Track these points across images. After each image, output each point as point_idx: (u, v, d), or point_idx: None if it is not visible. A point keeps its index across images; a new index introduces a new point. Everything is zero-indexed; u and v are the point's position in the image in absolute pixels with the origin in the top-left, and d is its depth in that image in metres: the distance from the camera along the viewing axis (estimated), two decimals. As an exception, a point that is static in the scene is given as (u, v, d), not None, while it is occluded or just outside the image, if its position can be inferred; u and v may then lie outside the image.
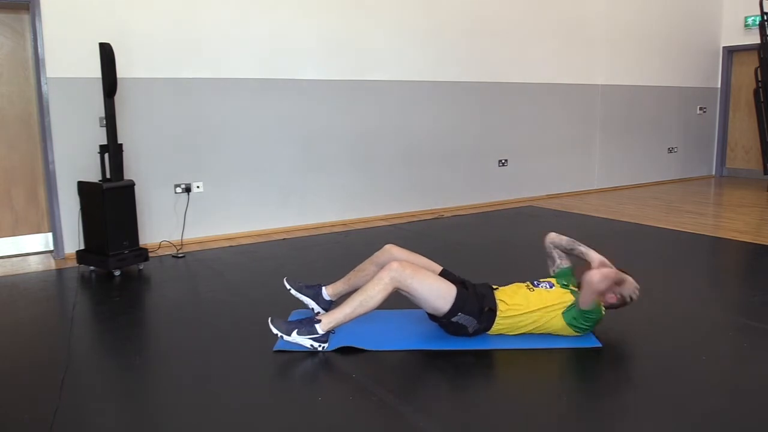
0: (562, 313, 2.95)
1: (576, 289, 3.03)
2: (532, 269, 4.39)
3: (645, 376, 2.64)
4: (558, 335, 3.00)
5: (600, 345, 2.94)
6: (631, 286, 3.01)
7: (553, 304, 2.96)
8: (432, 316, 3.02)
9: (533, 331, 2.99)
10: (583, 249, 3.17)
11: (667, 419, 2.28)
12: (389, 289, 2.87)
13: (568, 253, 3.27)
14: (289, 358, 2.85)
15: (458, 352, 2.90)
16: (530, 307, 2.96)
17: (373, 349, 2.93)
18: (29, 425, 2.30)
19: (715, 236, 5.34)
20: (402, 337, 3.05)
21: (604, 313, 3.00)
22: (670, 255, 4.81)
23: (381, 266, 3.05)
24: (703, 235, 5.41)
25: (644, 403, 2.40)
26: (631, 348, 2.94)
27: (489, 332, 3.00)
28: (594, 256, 3.10)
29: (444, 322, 2.97)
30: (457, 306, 2.90)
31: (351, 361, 2.81)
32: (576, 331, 2.97)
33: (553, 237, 3.34)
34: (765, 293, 3.78)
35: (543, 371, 2.73)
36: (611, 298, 3.00)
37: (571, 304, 2.95)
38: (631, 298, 3.03)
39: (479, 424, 2.30)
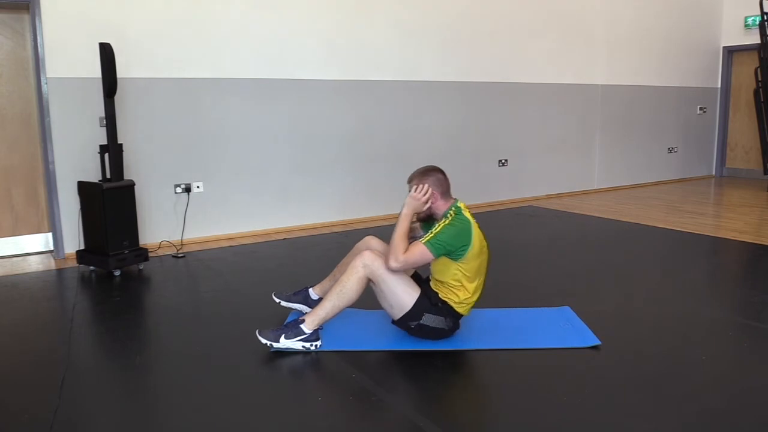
0: (448, 258, 2.91)
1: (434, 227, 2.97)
2: (532, 269, 4.40)
3: (645, 376, 2.64)
4: (485, 263, 2.98)
5: (599, 342, 2.95)
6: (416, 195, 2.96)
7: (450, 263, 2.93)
8: (399, 322, 2.96)
9: (477, 285, 2.96)
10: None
11: (667, 419, 2.29)
12: (363, 278, 2.85)
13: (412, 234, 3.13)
14: (289, 359, 2.85)
15: (458, 352, 2.90)
16: (449, 275, 2.93)
17: (372, 350, 2.93)
18: (29, 425, 2.30)
19: (715, 236, 5.34)
20: (402, 337, 3.05)
21: (451, 218, 2.90)
22: (670, 255, 4.81)
23: None
24: (703, 235, 5.40)
25: (644, 403, 2.40)
26: (631, 348, 2.94)
27: (464, 316, 3.00)
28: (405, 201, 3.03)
29: (413, 326, 2.93)
30: (420, 305, 2.88)
31: (351, 361, 2.81)
32: (467, 253, 2.87)
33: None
34: (765, 293, 3.78)
35: (542, 371, 2.73)
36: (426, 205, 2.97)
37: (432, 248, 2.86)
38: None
39: (479, 423, 2.30)
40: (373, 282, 2.89)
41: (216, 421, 2.31)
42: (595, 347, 2.92)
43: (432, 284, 3.04)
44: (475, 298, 3.00)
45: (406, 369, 2.81)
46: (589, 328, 3.12)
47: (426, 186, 2.96)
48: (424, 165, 3.10)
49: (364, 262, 2.86)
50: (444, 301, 2.95)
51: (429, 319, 2.91)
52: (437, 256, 2.86)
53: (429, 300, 2.93)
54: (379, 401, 2.46)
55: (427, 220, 3.06)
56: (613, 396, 2.48)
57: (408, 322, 2.94)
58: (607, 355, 2.86)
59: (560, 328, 3.16)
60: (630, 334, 3.12)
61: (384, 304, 2.96)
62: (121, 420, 2.34)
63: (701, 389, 2.54)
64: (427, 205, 2.98)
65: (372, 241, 3.21)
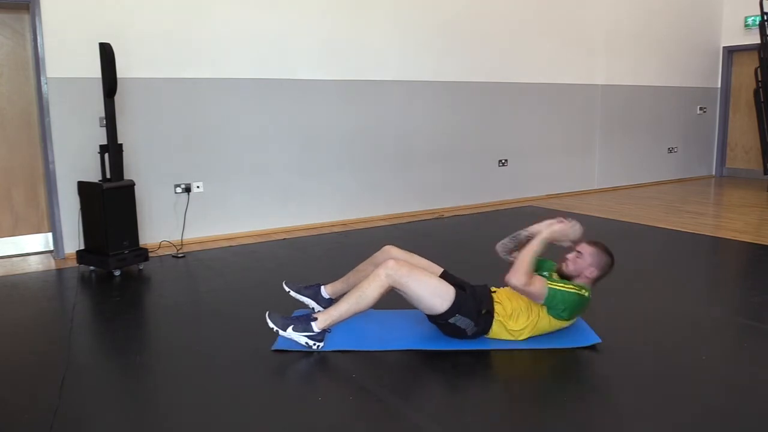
0: (547, 308, 2.93)
1: (554, 277, 3.03)
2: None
3: (645, 376, 2.64)
4: (554, 331, 2.99)
5: (599, 340, 2.95)
6: (566, 227, 2.99)
7: (537, 304, 2.94)
8: (430, 317, 3.00)
9: (531, 335, 2.98)
10: (526, 232, 3.12)
11: (667, 419, 2.29)
12: (384, 286, 2.86)
13: (522, 246, 3.11)
14: (289, 358, 2.85)
15: (458, 352, 2.89)
16: (526, 310, 2.94)
17: (372, 349, 2.94)
18: (29, 425, 2.30)
19: (715, 236, 5.34)
20: (401, 337, 3.05)
21: (586, 294, 2.96)
22: (670, 255, 4.81)
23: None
24: (703, 235, 5.41)
25: (644, 403, 2.40)
26: (631, 348, 2.94)
27: (487, 335, 2.99)
28: (537, 227, 3.07)
29: (441, 323, 2.95)
30: (455, 307, 2.88)
31: (351, 361, 2.81)
32: (564, 319, 2.94)
33: (498, 247, 3.25)
34: (765, 293, 3.78)
35: (543, 371, 2.73)
36: (573, 261, 3.00)
37: (549, 295, 2.90)
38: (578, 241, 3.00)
39: (479, 424, 2.30)
40: (399, 290, 2.89)
41: (216, 421, 2.31)
42: (595, 347, 2.92)
43: (498, 296, 3.01)
44: (510, 338, 2.97)
45: (407, 369, 2.81)
46: (590, 327, 3.12)
47: (579, 227, 2.99)
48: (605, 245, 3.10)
49: (388, 272, 2.85)
50: (490, 312, 2.94)
51: (459, 320, 2.90)
52: (544, 302, 2.90)
53: (474, 303, 2.92)
54: (379, 401, 2.46)
55: (565, 277, 3.03)
56: (613, 396, 2.48)
57: (438, 321, 2.95)
58: (607, 355, 2.86)
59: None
60: (630, 334, 3.12)
61: (413, 304, 2.97)
62: (121, 420, 2.34)
63: (701, 389, 2.54)
64: (567, 240, 2.99)
65: (393, 250, 3.22)
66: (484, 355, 2.89)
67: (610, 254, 3.05)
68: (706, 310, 3.51)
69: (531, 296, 2.92)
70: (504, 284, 2.98)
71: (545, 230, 3.00)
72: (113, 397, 2.54)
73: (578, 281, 3.00)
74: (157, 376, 2.74)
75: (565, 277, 3.03)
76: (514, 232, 3.20)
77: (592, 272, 3.01)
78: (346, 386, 2.61)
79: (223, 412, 2.37)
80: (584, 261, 3.00)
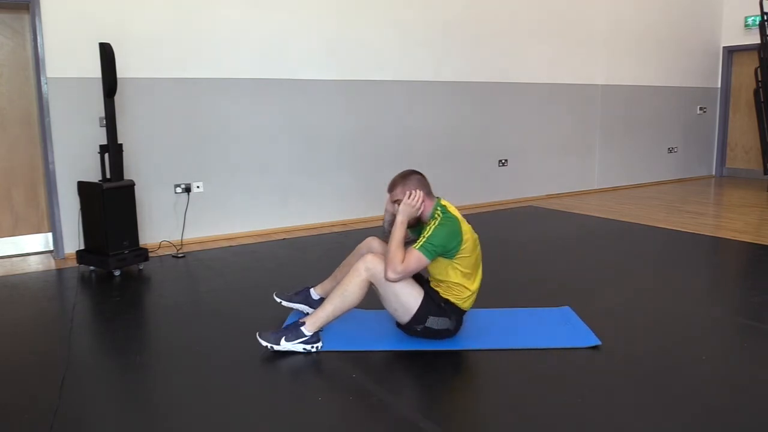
0: (441, 258, 2.91)
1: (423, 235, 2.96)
2: (532, 268, 4.40)
3: (645, 375, 2.64)
4: (468, 273, 2.96)
5: (599, 342, 2.95)
6: (411, 202, 2.94)
7: (442, 263, 2.94)
8: (403, 327, 2.98)
9: (475, 278, 2.99)
10: (389, 215, 3.08)
11: (667, 418, 2.29)
12: (365, 280, 2.84)
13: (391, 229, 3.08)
14: (289, 359, 2.85)
15: (458, 352, 2.90)
16: (445, 274, 2.94)
17: (372, 350, 2.93)
18: (29, 425, 2.30)
19: (715, 236, 5.34)
20: (401, 337, 3.05)
21: (440, 215, 2.91)
22: (670, 255, 4.81)
23: None
24: (703, 235, 5.41)
25: (644, 403, 2.40)
26: (631, 348, 2.94)
27: (467, 310, 3.01)
28: (390, 211, 3.06)
29: (419, 329, 2.93)
30: (424, 308, 2.88)
31: (351, 362, 2.81)
32: (460, 246, 2.87)
33: (385, 237, 3.19)
34: (765, 293, 3.78)
35: (543, 371, 2.73)
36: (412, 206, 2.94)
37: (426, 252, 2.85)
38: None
39: (479, 423, 2.30)
40: (375, 285, 2.88)
41: (216, 422, 2.31)
42: (595, 347, 2.92)
43: (432, 284, 3.04)
44: (475, 291, 3.00)
45: (407, 369, 2.81)
46: (589, 328, 3.12)
47: (418, 192, 2.94)
48: (401, 171, 3.07)
49: (367, 266, 2.84)
50: (446, 299, 2.95)
51: (433, 322, 2.90)
52: (432, 259, 2.87)
53: (432, 301, 2.93)
54: (379, 401, 2.46)
55: (416, 225, 3.03)
56: (613, 396, 2.48)
57: (414, 326, 2.93)
58: (607, 355, 2.86)
59: (560, 328, 3.16)
60: (630, 334, 3.12)
61: (388, 308, 2.95)
62: (121, 420, 2.34)
63: (701, 389, 2.54)
64: (420, 211, 2.97)
65: (374, 242, 3.19)
66: (483, 354, 2.89)
67: (404, 174, 3.00)
68: (706, 310, 3.51)
69: (419, 268, 2.86)
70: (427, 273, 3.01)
71: (399, 215, 2.92)
72: (113, 397, 2.54)
73: (426, 216, 2.98)
74: (157, 376, 2.74)
75: (420, 225, 2.99)
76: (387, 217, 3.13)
77: (418, 197, 2.93)
78: (346, 386, 2.61)
79: (222, 412, 2.37)
80: (409, 204, 2.92)
